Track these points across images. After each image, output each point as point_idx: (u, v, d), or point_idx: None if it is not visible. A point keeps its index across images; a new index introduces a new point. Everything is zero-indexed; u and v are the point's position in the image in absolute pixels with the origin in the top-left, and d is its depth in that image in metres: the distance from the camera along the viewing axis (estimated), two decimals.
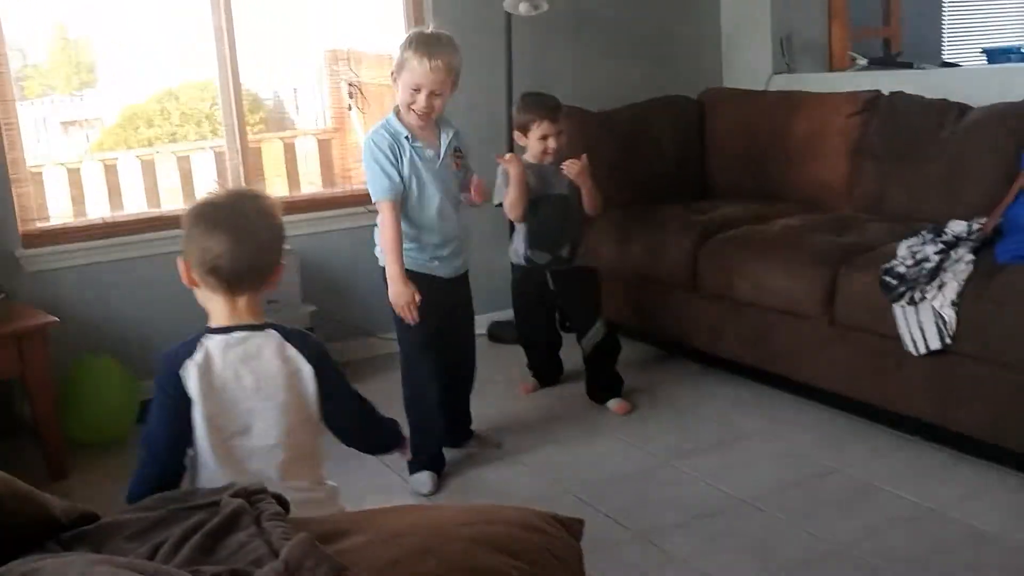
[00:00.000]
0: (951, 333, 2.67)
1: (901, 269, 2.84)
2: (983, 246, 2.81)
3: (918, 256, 2.86)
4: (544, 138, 3.27)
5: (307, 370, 1.69)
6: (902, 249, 2.93)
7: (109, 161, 4.10)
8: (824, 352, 3.10)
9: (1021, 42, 6.04)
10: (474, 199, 2.92)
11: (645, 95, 4.28)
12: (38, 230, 3.59)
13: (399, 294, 2.72)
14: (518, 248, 3.41)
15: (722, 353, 3.51)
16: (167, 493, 1.28)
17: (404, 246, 2.76)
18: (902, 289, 2.79)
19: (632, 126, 4.13)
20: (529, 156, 3.33)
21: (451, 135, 2.82)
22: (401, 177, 2.74)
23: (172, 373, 1.63)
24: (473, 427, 3.14)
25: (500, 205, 3.32)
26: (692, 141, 4.28)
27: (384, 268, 2.80)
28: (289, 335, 1.71)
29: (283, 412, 1.66)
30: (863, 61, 4.59)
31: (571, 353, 3.64)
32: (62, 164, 3.97)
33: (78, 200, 3.84)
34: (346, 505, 1.84)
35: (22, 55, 3.59)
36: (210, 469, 1.61)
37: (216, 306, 1.70)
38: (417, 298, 2.70)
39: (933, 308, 2.70)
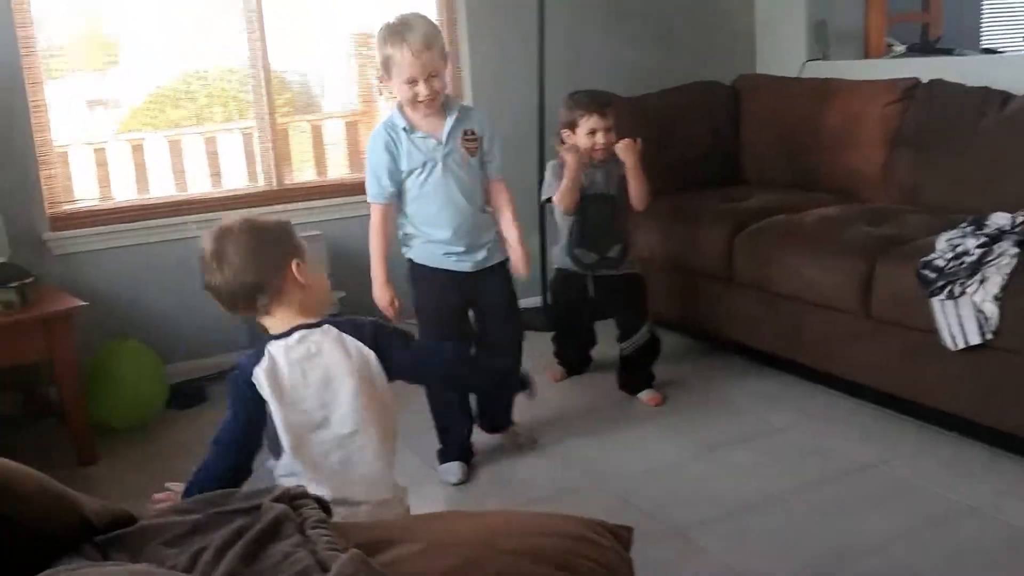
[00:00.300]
0: (992, 328, 2.61)
1: (940, 263, 2.78)
2: None
3: (958, 249, 2.79)
4: (593, 133, 3.18)
5: (367, 353, 1.77)
6: (941, 242, 2.86)
7: (135, 141, 4.07)
8: (860, 345, 3.04)
9: None
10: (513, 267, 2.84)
11: (678, 81, 4.22)
12: (65, 213, 3.58)
13: (378, 297, 2.75)
14: (562, 249, 3.34)
15: (757, 345, 3.46)
16: (207, 494, 1.25)
17: (415, 240, 2.75)
18: (941, 283, 2.73)
19: (665, 112, 4.08)
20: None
21: (455, 118, 2.68)
22: (399, 175, 2.67)
23: (246, 381, 1.73)
24: (515, 419, 3.06)
25: (548, 201, 3.26)
26: (725, 128, 4.22)
27: (409, 259, 2.79)
28: (342, 326, 1.78)
29: (355, 398, 1.73)
30: (901, 48, 4.50)
31: (600, 343, 3.60)
32: (89, 144, 3.95)
33: (104, 181, 3.82)
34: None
35: (48, 33, 3.56)
36: (290, 469, 1.70)
37: (267, 320, 1.80)
38: (397, 303, 2.72)
39: (973, 303, 2.64)
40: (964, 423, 2.84)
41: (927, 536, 2.39)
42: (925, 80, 3.67)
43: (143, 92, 4.09)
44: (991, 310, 2.61)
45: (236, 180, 4.01)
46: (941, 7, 5.04)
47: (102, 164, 3.90)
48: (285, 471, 1.72)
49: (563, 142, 3.26)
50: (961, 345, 2.68)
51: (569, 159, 3.14)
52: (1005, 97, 3.37)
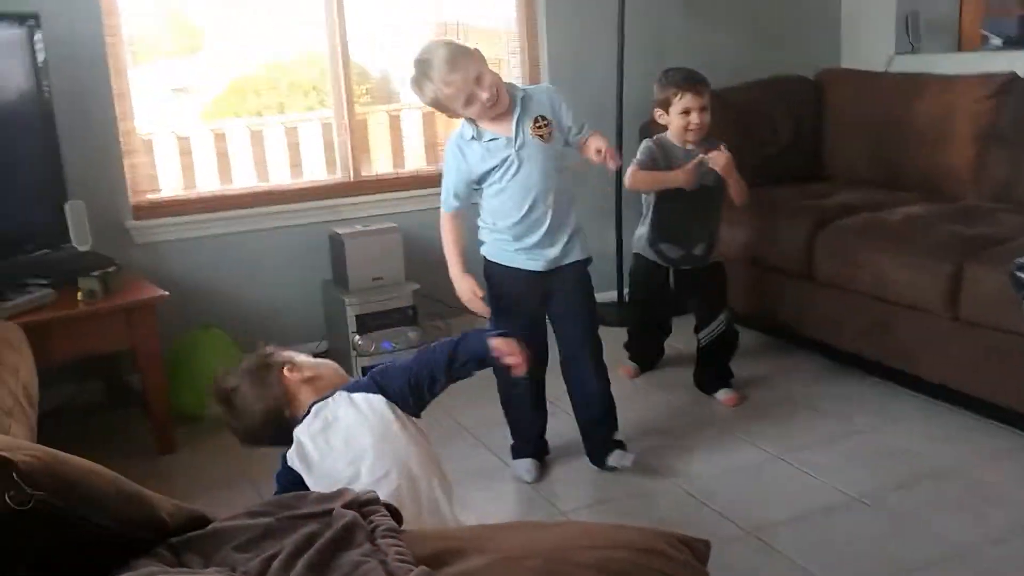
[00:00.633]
0: None
1: None
2: None
3: None
4: (686, 112, 3.07)
5: (374, 398, 1.93)
6: None
7: (218, 131, 4.13)
8: (947, 348, 2.94)
9: None
10: (595, 161, 2.66)
11: (760, 74, 4.13)
12: (148, 202, 3.64)
13: (460, 290, 2.73)
14: (645, 235, 3.24)
15: (839, 345, 3.37)
16: (278, 498, 1.25)
17: (489, 237, 2.72)
18: None
19: (746, 105, 3.99)
20: (671, 135, 3.15)
21: (519, 110, 2.60)
22: (472, 184, 2.66)
23: (285, 466, 1.94)
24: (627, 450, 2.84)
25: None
26: (808, 123, 4.12)
27: (483, 256, 2.77)
28: (349, 388, 1.98)
29: (380, 443, 1.86)
30: (997, 41, 4.32)
31: (678, 340, 3.55)
32: (173, 133, 4.02)
33: (188, 170, 3.88)
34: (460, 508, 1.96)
35: (134, 21, 3.62)
36: None
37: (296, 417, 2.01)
38: (479, 293, 2.68)
39: None
40: None
41: (1015, 544, 2.30)
42: (1023, 75, 3.53)
43: (226, 80, 4.15)
44: None
45: (315, 171, 4.04)
46: None
47: (186, 153, 3.96)
48: None
49: (656, 121, 3.18)
50: None
51: (683, 176, 3.04)
52: None
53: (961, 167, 3.57)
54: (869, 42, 4.42)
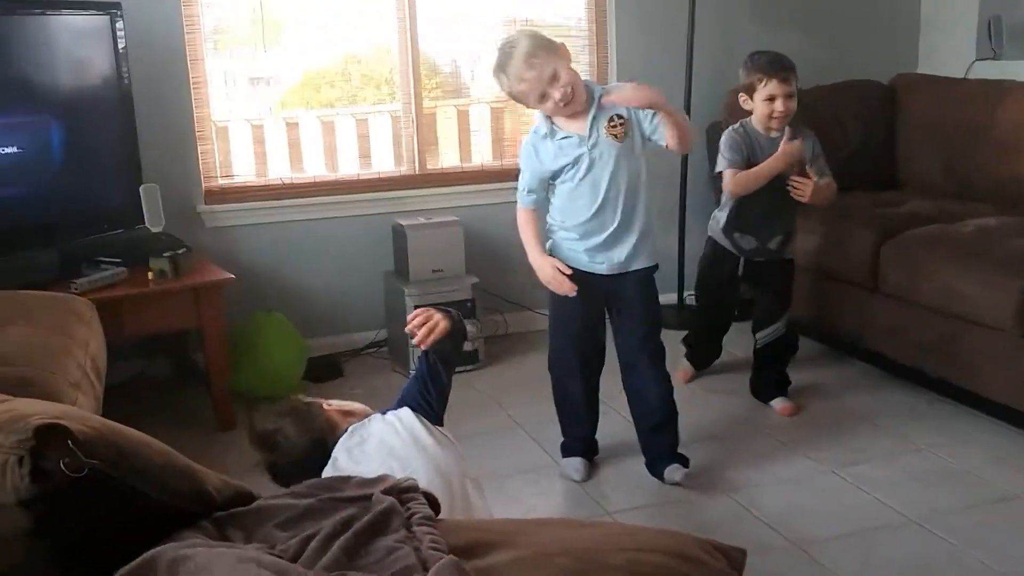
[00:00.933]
0: None
1: None
2: None
3: None
4: (771, 99, 2.97)
5: (402, 411, 2.05)
6: None
7: (291, 120, 4.21)
8: (1015, 367, 2.86)
9: None
10: (672, 146, 2.57)
11: (832, 77, 4.06)
12: (219, 187, 3.73)
13: (541, 272, 2.68)
14: (721, 221, 3.16)
15: (901, 359, 3.30)
16: (319, 480, 1.28)
17: (556, 235, 2.70)
18: None
19: (817, 109, 3.92)
20: (754, 121, 3.06)
21: (596, 108, 2.56)
22: (545, 181, 2.65)
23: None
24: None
25: (719, 175, 3.08)
26: (880, 129, 4.04)
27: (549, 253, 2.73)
28: (383, 412, 2.09)
29: (410, 447, 1.96)
30: None
31: (733, 343, 3.52)
32: (247, 120, 4.10)
33: (261, 158, 3.96)
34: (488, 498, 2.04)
35: (214, 10, 3.70)
36: None
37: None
38: (565, 269, 2.63)
39: None
40: None
41: None
42: None
43: (301, 71, 4.23)
44: None
45: (383, 162, 4.09)
46: None
47: (259, 141, 4.05)
48: None
49: (740, 107, 3.10)
50: None
51: (781, 160, 2.96)
52: None
53: None
54: (948, 47, 4.32)
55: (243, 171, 3.89)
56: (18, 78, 3.06)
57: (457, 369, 3.48)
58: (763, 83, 2.98)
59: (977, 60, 4.20)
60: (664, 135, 2.55)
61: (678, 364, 3.48)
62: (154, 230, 3.25)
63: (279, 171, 3.94)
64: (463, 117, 4.39)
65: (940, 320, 3.08)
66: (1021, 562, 2.30)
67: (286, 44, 4.09)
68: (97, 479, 1.09)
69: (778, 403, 3.24)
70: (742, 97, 3.08)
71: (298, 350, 3.51)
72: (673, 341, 3.56)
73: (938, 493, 2.65)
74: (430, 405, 2.08)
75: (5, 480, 1.05)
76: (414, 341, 2.15)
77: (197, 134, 3.62)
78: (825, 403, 3.29)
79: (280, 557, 1.02)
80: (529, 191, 2.69)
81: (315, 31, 4.00)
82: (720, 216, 3.18)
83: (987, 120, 3.68)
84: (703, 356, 3.52)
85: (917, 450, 2.93)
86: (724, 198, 3.16)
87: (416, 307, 3.53)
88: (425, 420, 2.02)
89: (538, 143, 2.64)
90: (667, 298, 3.99)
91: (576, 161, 2.58)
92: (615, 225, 2.62)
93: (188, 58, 3.55)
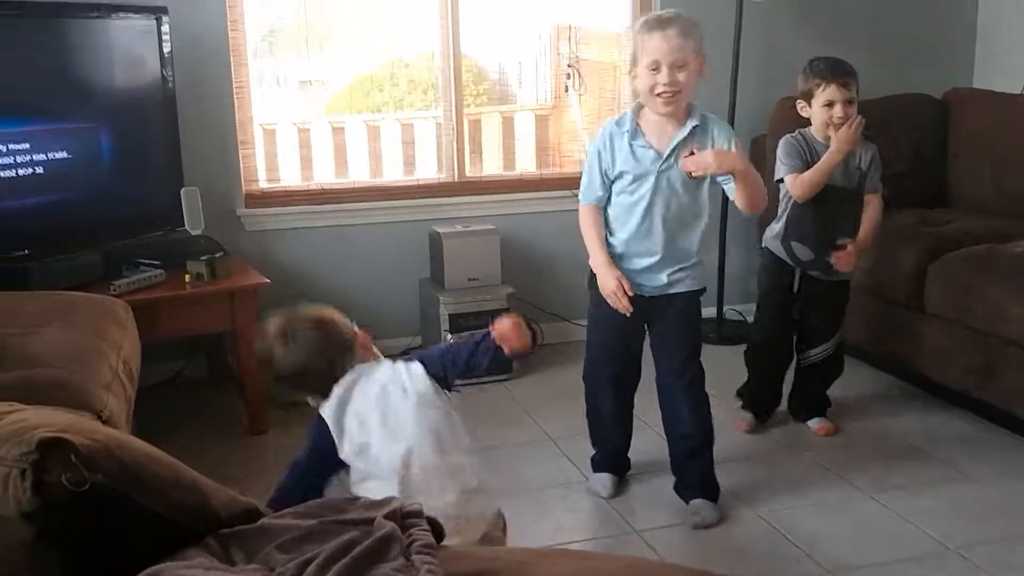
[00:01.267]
0: None
1: None
2: None
3: None
4: (829, 105, 2.88)
5: (414, 365, 2.02)
6: None
7: (337, 124, 4.23)
8: None
9: None
10: (740, 205, 2.51)
11: (883, 91, 3.96)
12: (260, 191, 3.75)
13: (604, 281, 2.54)
14: (775, 230, 3.05)
15: (947, 382, 3.21)
16: (326, 500, 1.26)
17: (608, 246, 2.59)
18: None
19: (867, 122, 3.84)
20: (813, 129, 2.97)
21: (688, 131, 2.45)
22: (609, 179, 2.53)
23: (316, 415, 2.00)
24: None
25: (780, 181, 2.99)
26: (931, 144, 3.94)
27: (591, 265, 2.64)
28: (394, 358, 2.07)
29: (407, 413, 1.95)
30: None
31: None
32: (294, 124, 4.13)
33: (306, 161, 3.98)
34: (497, 499, 2.05)
35: (264, 14, 3.73)
36: (362, 475, 1.94)
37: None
38: (626, 285, 2.50)
39: None
40: None
41: None
42: None
43: (348, 76, 4.25)
44: None
45: (427, 168, 4.08)
46: None
47: (305, 144, 4.07)
48: (359, 476, 1.95)
49: (788, 119, 3.03)
50: None
51: (843, 145, 2.85)
52: None
53: None
54: (1006, 62, 4.21)
55: (287, 175, 3.91)
56: (69, 83, 3.10)
57: (490, 378, 3.52)
58: (822, 88, 2.90)
59: None
60: (733, 189, 2.49)
61: (734, 413, 3.22)
62: (194, 233, 3.28)
63: (323, 175, 3.95)
64: (508, 124, 4.38)
65: (988, 343, 2.99)
66: None
67: (336, 47, 4.11)
68: (100, 493, 1.08)
69: (816, 423, 3.17)
70: (800, 104, 2.99)
71: None
72: (713, 356, 3.49)
73: (980, 525, 2.56)
74: (445, 374, 2.04)
75: (8, 493, 1.04)
76: (495, 335, 2.01)
77: (239, 138, 3.64)
78: (866, 425, 3.21)
79: None
80: (593, 187, 2.56)
81: (364, 35, 4.01)
82: (776, 227, 3.08)
83: None
84: (762, 402, 3.22)
85: (961, 478, 2.84)
86: (781, 208, 3.07)
87: (450, 315, 3.57)
88: (434, 382, 2.00)
89: (615, 135, 2.51)
90: (707, 312, 3.92)
91: (643, 176, 2.48)
92: (659, 254, 2.54)
93: (232, 62, 3.57)
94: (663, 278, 2.57)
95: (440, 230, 3.69)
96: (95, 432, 1.13)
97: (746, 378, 3.22)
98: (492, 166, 4.22)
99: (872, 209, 2.99)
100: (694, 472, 2.68)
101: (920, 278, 3.21)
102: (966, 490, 2.77)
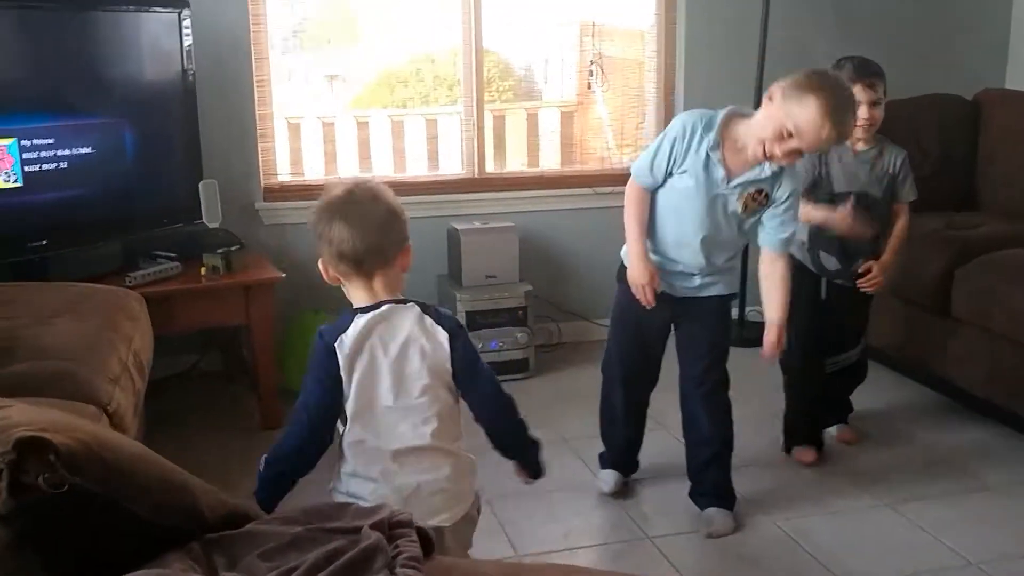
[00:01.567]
0: None
1: None
2: None
3: None
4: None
5: (442, 336, 1.79)
6: None
7: (362, 118, 4.21)
8: None
9: None
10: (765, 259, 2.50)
11: (911, 92, 3.88)
12: (279, 184, 3.73)
13: (635, 274, 2.45)
14: (804, 240, 2.92)
15: (972, 389, 3.14)
16: (315, 506, 1.23)
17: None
18: None
19: (893, 124, 3.74)
20: None
21: (768, 174, 2.36)
22: (670, 173, 2.41)
23: (328, 345, 1.78)
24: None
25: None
26: (960, 146, 3.85)
27: (622, 257, 2.57)
28: (426, 308, 1.82)
29: (425, 375, 1.77)
30: None
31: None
32: (319, 118, 4.12)
33: (329, 155, 3.97)
34: (482, 485, 1.90)
35: (290, 9, 3.72)
36: (359, 437, 1.76)
37: (357, 291, 1.83)
38: (658, 284, 2.45)
39: None
40: None
41: None
42: None
43: (374, 71, 4.23)
44: None
45: (451, 164, 4.05)
46: None
47: (329, 139, 4.05)
48: (352, 438, 1.77)
49: None
50: None
51: (843, 225, 2.75)
52: None
53: None
54: None
55: (311, 169, 3.89)
56: (94, 78, 3.09)
57: (506, 377, 3.48)
58: None
59: None
60: (769, 239, 2.46)
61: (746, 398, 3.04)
62: (211, 226, 3.27)
63: (347, 170, 3.93)
64: (532, 121, 4.34)
65: (1015, 350, 2.92)
66: None
67: (363, 43, 4.10)
68: (80, 495, 1.05)
69: (837, 429, 3.10)
70: None
71: None
72: (734, 358, 3.42)
73: (1004, 537, 2.50)
74: (461, 385, 1.84)
75: None
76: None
77: (259, 131, 3.62)
78: (888, 432, 3.15)
79: None
80: (652, 169, 2.43)
81: (390, 31, 4.00)
82: (802, 235, 2.93)
83: None
84: (814, 426, 3.04)
85: (984, 489, 2.78)
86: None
87: (467, 313, 3.53)
88: (449, 362, 1.80)
89: (698, 136, 2.36)
90: None
91: (700, 188, 2.39)
92: (690, 270, 2.50)
93: (253, 55, 3.55)
94: (696, 281, 2.52)
95: (458, 227, 3.66)
96: (77, 431, 1.10)
97: (787, 409, 3.04)
98: (516, 163, 4.19)
99: (900, 223, 2.88)
100: (710, 479, 2.63)
101: (946, 283, 3.14)
102: (989, 502, 2.70)
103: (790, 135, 2.25)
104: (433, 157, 4.13)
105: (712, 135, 2.36)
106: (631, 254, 2.48)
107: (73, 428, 1.10)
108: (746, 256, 3.92)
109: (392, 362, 1.75)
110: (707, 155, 2.36)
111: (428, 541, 1.17)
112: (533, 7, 4.05)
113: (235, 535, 1.15)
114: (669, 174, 2.42)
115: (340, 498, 1.74)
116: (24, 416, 1.10)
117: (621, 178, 4.12)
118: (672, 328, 2.64)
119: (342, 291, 1.85)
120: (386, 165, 4.07)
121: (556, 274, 3.93)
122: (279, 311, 3.24)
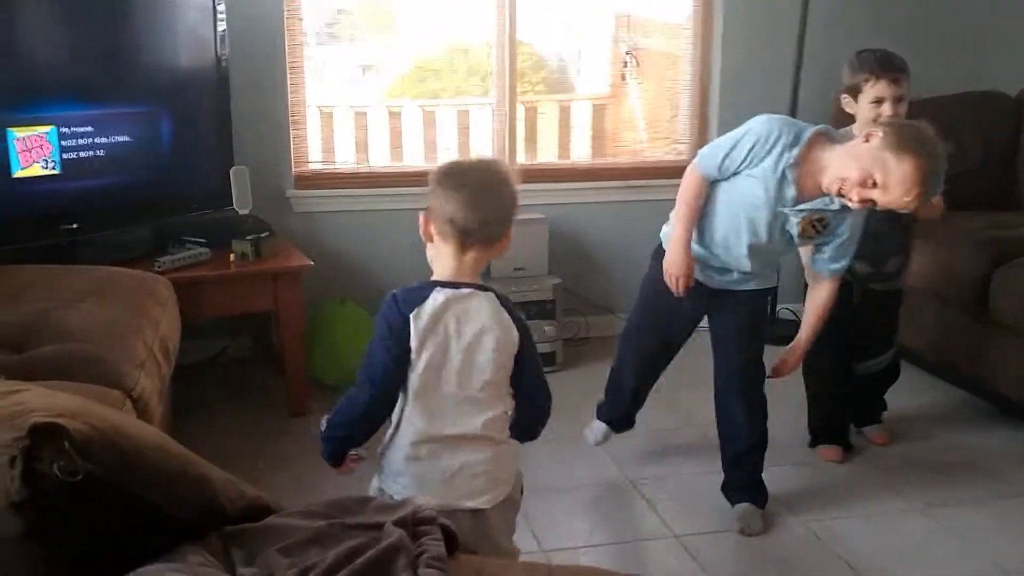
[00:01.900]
0: None
1: None
2: None
3: None
4: (878, 102, 2.63)
5: (515, 335, 1.79)
6: None
7: (395, 108, 4.19)
8: None
9: None
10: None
11: (953, 89, 3.79)
12: (310, 172, 3.72)
13: (674, 261, 2.40)
14: None
15: (1010, 393, 3.07)
16: (338, 499, 1.20)
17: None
18: None
19: (933, 121, 3.68)
20: (857, 128, 2.67)
21: (837, 208, 2.29)
22: (736, 172, 2.33)
23: (403, 314, 1.75)
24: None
25: None
26: (1003, 144, 3.77)
27: (661, 239, 2.53)
28: (504, 301, 1.82)
29: (489, 367, 1.77)
30: None
31: None
32: (351, 107, 4.10)
33: (361, 144, 3.95)
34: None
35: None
36: (414, 413, 1.76)
37: (444, 261, 1.82)
38: (690, 279, 2.40)
39: None
40: None
41: None
42: None
43: (410, 61, 4.20)
44: None
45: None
46: None
47: (361, 128, 4.03)
48: (408, 413, 1.76)
49: (842, 109, 2.77)
50: None
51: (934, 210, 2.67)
52: None
53: None
54: None
55: (342, 158, 3.88)
56: (129, 66, 3.09)
57: None
58: (870, 83, 2.66)
59: None
60: (822, 266, 2.44)
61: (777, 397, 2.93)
62: (241, 212, 3.26)
63: (378, 159, 3.91)
64: (564, 113, 4.30)
65: None
66: None
67: (397, 33, 4.07)
68: (95, 484, 1.03)
69: (871, 430, 3.05)
70: (845, 99, 2.75)
71: (368, 340, 3.47)
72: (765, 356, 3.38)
73: None
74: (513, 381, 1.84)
75: None
76: None
77: (291, 119, 3.61)
78: (921, 435, 3.09)
79: None
80: (721, 162, 2.33)
81: (425, 21, 3.97)
82: None
83: None
84: (840, 426, 3.01)
85: (1018, 496, 2.71)
86: None
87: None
88: (513, 359, 1.80)
89: (780, 146, 2.27)
90: None
91: (765, 201, 2.31)
92: (730, 268, 2.46)
93: (287, 43, 3.53)
94: (733, 275, 2.48)
95: None
96: (93, 417, 1.08)
97: (811, 409, 3.01)
98: (548, 155, 4.15)
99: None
100: (743, 474, 2.60)
101: (985, 284, 3.07)
102: (1021, 509, 2.64)
103: (875, 185, 2.16)
104: (464, 148, 4.09)
105: (796, 152, 2.26)
106: (674, 240, 2.42)
107: (89, 414, 1.08)
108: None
109: (464, 348, 1.75)
110: (784, 171, 2.28)
111: (452, 539, 1.14)
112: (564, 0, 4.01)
113: (255, 528, 1.12)
114: (735, 172, 2.35)
115: (386, 467, 1.77)
116: (40, 401, 1.08)
117: (653, 171, 4.10)
118: (705, 319, 2.60)
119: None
120: (417, 155, 4.04)
121: (585, 267, 3.89)
122: (306, 299, 3.22)
